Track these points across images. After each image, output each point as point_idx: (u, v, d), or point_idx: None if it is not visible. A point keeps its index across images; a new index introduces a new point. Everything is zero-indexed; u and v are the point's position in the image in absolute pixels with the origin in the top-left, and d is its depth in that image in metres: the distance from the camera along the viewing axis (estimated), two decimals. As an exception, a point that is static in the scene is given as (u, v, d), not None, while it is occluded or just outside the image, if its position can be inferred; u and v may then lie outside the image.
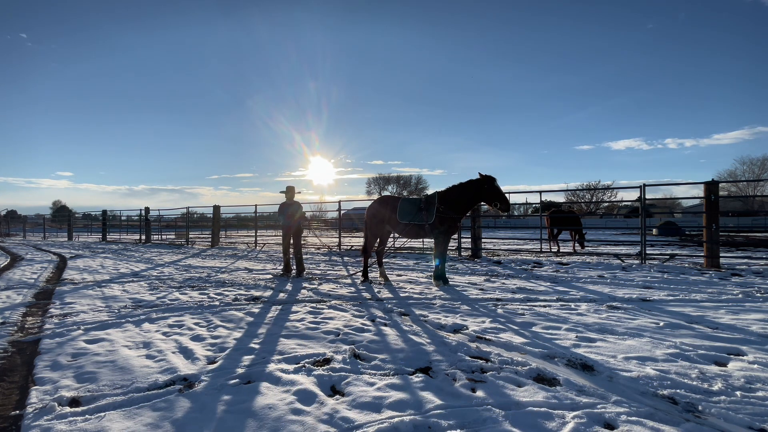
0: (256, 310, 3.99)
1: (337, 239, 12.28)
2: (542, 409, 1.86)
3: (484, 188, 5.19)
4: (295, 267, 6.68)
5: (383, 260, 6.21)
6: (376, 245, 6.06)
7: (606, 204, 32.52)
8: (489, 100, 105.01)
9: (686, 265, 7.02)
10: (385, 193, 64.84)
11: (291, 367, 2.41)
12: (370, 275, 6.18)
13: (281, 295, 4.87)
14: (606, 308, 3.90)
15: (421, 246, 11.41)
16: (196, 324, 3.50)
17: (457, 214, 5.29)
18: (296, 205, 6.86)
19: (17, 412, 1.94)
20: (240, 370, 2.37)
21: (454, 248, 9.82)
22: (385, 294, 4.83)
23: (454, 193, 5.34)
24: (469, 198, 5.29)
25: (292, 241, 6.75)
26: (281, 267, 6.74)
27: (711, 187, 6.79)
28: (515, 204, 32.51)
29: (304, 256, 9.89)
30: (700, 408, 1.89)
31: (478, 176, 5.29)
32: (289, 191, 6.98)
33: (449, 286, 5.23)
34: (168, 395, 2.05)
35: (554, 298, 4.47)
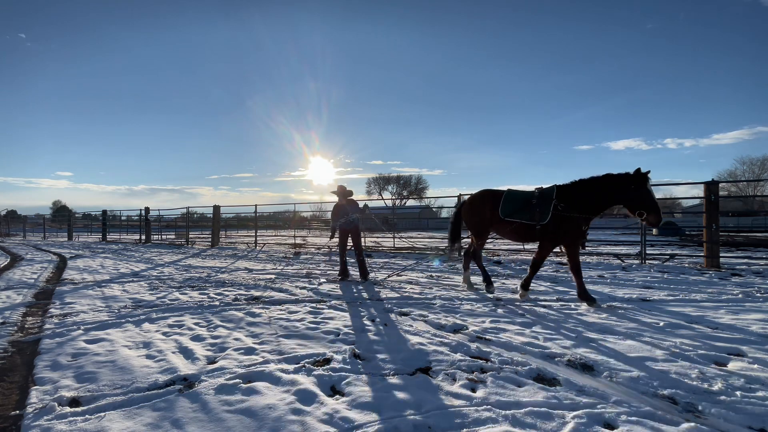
0: (256, 310, 3.99)
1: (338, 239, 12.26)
2: (542, 409, 1.86)
3: (630, 189, 3.86)
4: (358, 271, 6.04)
5: (472, 264, 5.30)
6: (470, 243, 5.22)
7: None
8: (489, 100, 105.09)
9: (686, 265, 7.02)
10: (385, 193, 64.77)
11: (291, 367, 2.41)
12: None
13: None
14: (606, 308, 3.90)
15: (421, 246, 11.40)
16: (196, 324, 3.50)
17: (584, 216, 4.04)
18: (355, 206, 6.21)
19: (17, 412, 1.94)
20: (240, 370, 2.37)
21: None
22: (385, 294, 4.82)
23: (582, 189, 4.12)
24: (603, 197, 4.01)
25: (350, 243, 6.19)
26: (341, 269, 6.13)
27: (711, 187, 6.78)
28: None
29: (304, 256, 9.90)
30: (700, 408, 1.89)
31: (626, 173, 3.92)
32: (341, 191, 6.23)
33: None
34: (168, 395, 2.05)
35: (554, 298, 4.47)
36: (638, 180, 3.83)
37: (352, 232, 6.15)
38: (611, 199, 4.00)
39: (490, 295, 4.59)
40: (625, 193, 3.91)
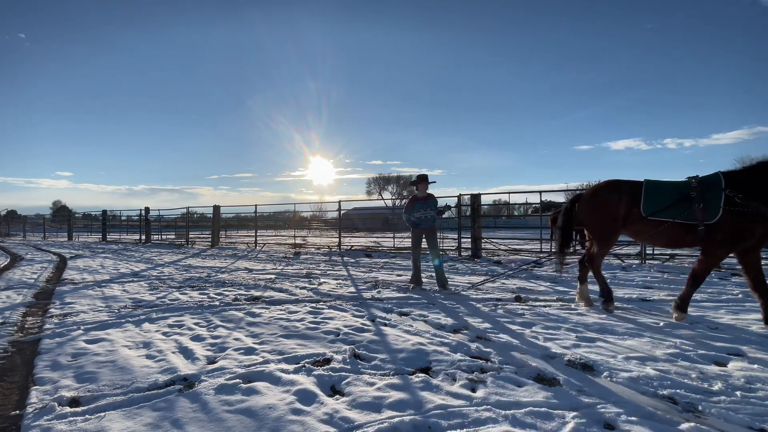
0: (256, 310, 3.99)
1: (337, 239, 12.28)
2: (542, 409, 1.86)
3: None
4: (436, 277, 5.15)
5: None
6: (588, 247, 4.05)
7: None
8: (489, 100, 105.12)
9: (686, 265, 7.02)
10: (385, 193, 64.62)
11: (291, 367, 2.41)
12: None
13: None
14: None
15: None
16: (196, 324, 3.50)
17: None
18: (433, 200, 5.35)
19: (17, 412, 1.94)
20: (240, 370, 2.37)
21: (454, 248, 9.82)
22: (385, 294, 4.82)
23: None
24: None
25: (426, 245, 5.33)
26: (413, 274, 5.28)
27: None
28: (515, 204, 32.49)
29: (304, 256, 9.90)
30: (700, 408, 1.89)
31: None
32: (422, 182, 5.30)
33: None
34: (168, 395, 2.05)
35: (554, 298, 4.47)
36: None
37: (429, 232, 5.32)
38: None
39: (606, 313, 3.73)
40: None
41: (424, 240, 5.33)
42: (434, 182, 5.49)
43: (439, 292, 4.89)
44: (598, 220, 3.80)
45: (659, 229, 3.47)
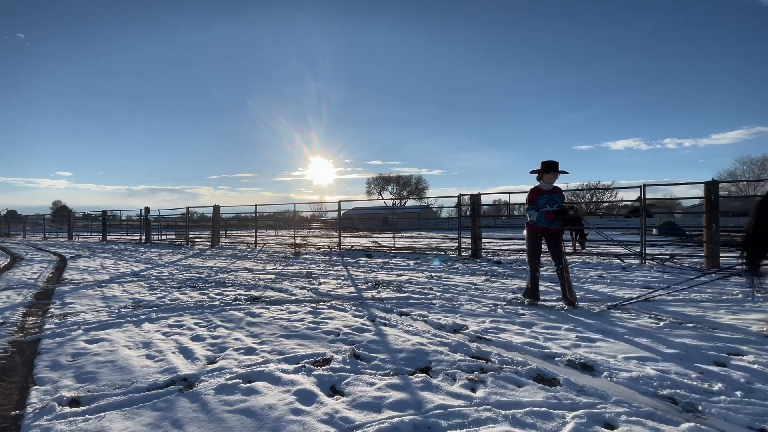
0: (256, 310, 3.99)
1: (337, 239, 12.28)
2: (542, 409, 1.86)
3: None
4: (560, 290, 4.09)
5: None
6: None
7: (606, 204, 32.52)
8: (488, 100, 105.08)
9: (686, 265, 7.02)
10: (385, 193, 64.55)
11: (291, 367, 2.41)
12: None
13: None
14: (606, 308, 3.90)
15: (421, 246, 11.40)
16: (196, 324, 3.50)
17: None
18: (560, 194, 4.25)
19: (17, 412, 1.93)
20: (240, 370, 2.37)
21: (453, 248, 9.82)
22: (385, 294, 4.82)
23: None
24: None
25: (547, 249, 4.32)
26: (528, 286, 4.22)
27: (711, 187, 6.78)
28: (515, 204, 32.46)
29: (304, 256, 9.89)
30: (700, 408, 1.89)
31: None
32: (550, 171, 4.16)
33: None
34: (168, 395, 2.05)
35: (554, 298, 4.46)
36: None
37: (551, 235, 4.21)
38: None
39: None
40: None
41: (543, 245, 4.27)
42: (566, 172, 4.34)
43: (567, 310, 3.86)
44: None
45: None
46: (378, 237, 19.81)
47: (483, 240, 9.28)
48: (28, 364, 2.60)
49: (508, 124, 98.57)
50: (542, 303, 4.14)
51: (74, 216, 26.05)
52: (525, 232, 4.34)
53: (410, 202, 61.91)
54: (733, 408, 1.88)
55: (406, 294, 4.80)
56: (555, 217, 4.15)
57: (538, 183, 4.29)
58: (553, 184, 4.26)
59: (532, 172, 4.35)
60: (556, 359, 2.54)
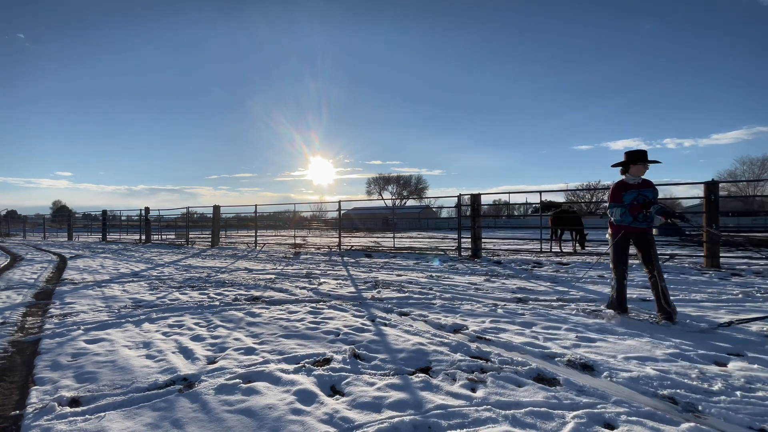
0: (256, 310, 3.99)
1: (337, 239, 12.28)
2: (542, 409, 1.86)
3: None
4: (655, 301, 3.47)
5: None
6: None
7: (606, 204, 32.38)
8: (488, 100, 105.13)
9: (686, 265, 7.02)
10: (385, 193, 64.57)
11: (291, 367, 2.41)
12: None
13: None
14: (606, 308, 3.89)
15: (421, 246, 11.40)
16: (196, 324, 3.50)
17: None
18: (651, 189, 3.57)
19: (17, 412, 1.93)
20: (240, 370, 2.37)
21: (453, 248, 9.82)
22: (385, 294, 4.82)
23: None
24: None
25: (637, 253, 3.67)
26: (613, 296, 3.69)
27: (711, 187, 6.79)
28: (515, 204, 32.47)
29: (304, 256, 9.88)
30: (700, 408, 1.89)
31: None
32: (638, 162, 3.54)
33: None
34: (168, 395, 2.05)
35: (554, 298, 4.47)
36: None
37: (641, 236, 3.60)
38: None
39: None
40: None
41: (632, 247, 3.66)
42: (658, 161, 3.73)
43: (664, 325, 3.28)
44: None
45: None
46: (378, 237, 19.81)
47: (483, 240, 9.28)
48: (28, 364, 2.60)
49: (508, 124, 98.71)
50: (632, 317, 3.55)
51: (74, 216, 26.05)
52: (608, 235, 3.81)
53: (410, 202, 61.91)
54: (733, 408, 1.88)
55: (406, 294, 4.80)
56: (640, 211, 3.49)
57: (623, 177, 3.67)
58: (642, 177, 3.61)
59: (614, 165, 3.74)
60: (556, 359, 2.54)
